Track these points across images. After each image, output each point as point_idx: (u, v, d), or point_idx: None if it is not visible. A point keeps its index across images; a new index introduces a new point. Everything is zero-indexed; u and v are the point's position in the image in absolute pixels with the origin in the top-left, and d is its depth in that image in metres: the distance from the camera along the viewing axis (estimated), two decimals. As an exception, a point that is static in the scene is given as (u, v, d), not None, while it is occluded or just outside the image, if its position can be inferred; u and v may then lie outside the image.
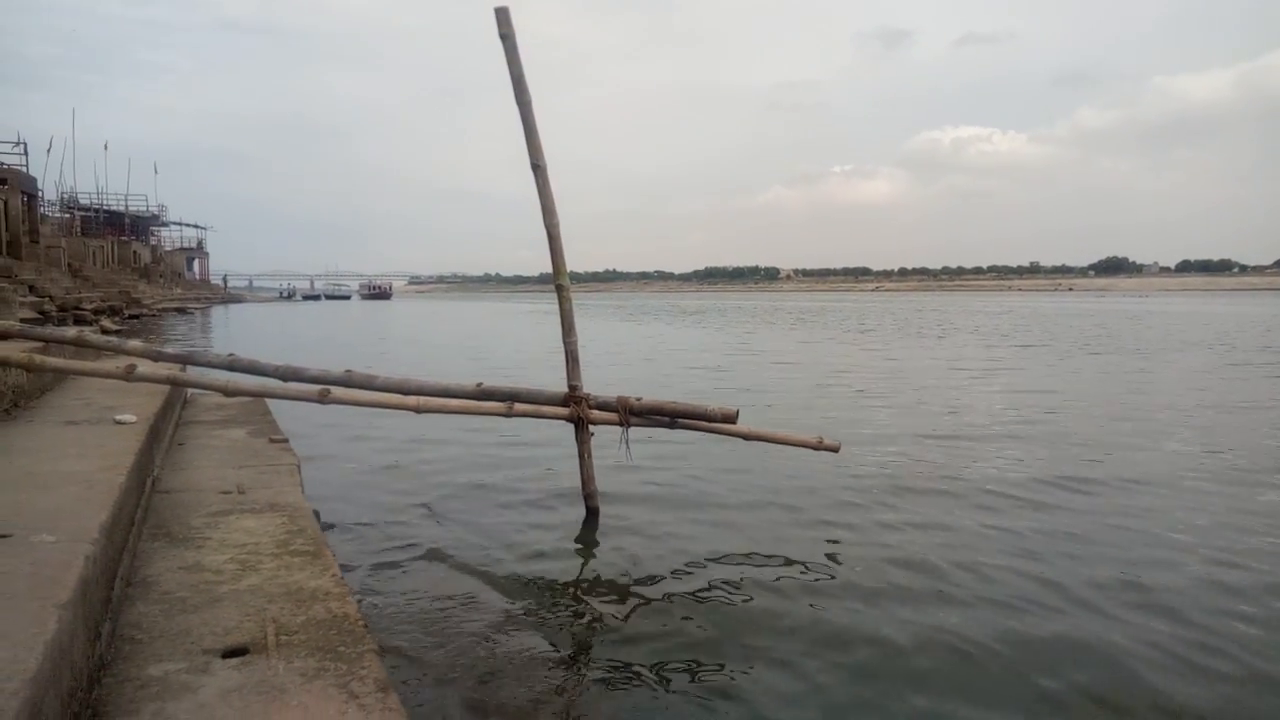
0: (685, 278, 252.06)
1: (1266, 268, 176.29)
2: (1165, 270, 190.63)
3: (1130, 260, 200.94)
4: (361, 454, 8.02)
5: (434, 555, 5.03)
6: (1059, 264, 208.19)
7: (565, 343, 5.71)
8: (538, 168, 5.71)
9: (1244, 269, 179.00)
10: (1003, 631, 3.97)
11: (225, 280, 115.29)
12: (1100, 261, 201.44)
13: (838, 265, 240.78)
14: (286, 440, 6.34)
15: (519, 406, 5.58)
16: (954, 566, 4.85)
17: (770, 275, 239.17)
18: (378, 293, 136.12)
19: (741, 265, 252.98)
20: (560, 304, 5.78)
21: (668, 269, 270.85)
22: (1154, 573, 4.74)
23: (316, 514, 4.38)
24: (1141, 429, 9.51)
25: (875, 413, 10.86)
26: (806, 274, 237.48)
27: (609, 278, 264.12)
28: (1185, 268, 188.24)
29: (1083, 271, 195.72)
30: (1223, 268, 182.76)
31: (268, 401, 7.70)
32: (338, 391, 5.35)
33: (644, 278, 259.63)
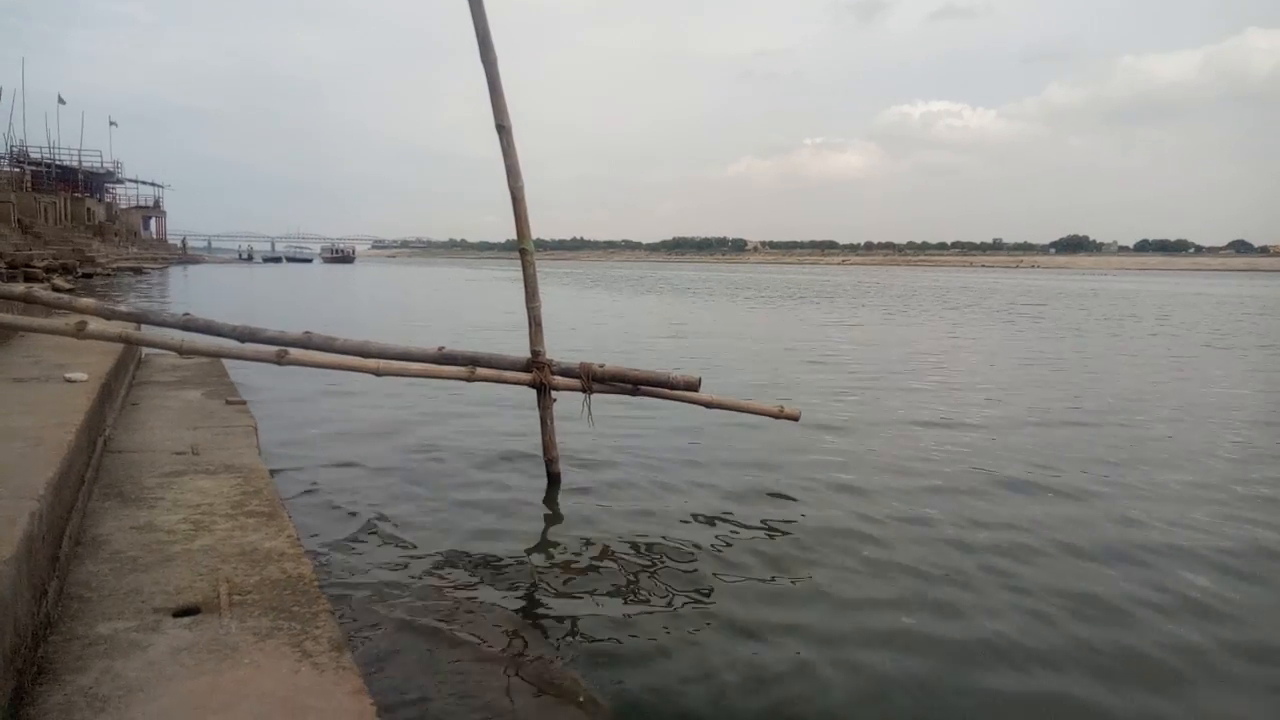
0: (653, 247, 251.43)
1: (1221, 249, 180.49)
2: (1124, 250, 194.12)
3: (1090, 239, 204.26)
4: (321, 416, 7.93)
5: (392, 518, 5.01)
6: (1021, 241, 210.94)
7: (528, 308, 5.67)
8: (502, 128, 5.63)
9: (1199, 249, 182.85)
10: (948, 596, 4.07)
11: (183, 241, 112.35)
12: (1061, 240, 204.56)
13: (805, 238, 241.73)
14: (244, 402, 6.26)
15: (481, 371, 5.54)
16: (902, 536, 4.95)
17: (738, 247, 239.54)
18: (340, 256, 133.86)
19: (709, 236, 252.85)
20: (524, 269, 5.73)
21: (635, 238, 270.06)
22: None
23: (276, 475, 4.35)
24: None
25: (834, 380, 10.96)
26: (774, 246, 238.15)
27: (575, 246, 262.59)
28: (1144, 247, 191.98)
29: (1044, 249, 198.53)
30: (1179, 248, 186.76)
31: (225, 363, 7.59)
32: (296, 353, 5.28)
33: (611, 247, 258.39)
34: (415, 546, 4.57)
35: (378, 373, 5.35)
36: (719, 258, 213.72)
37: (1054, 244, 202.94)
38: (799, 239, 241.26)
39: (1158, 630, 3.76)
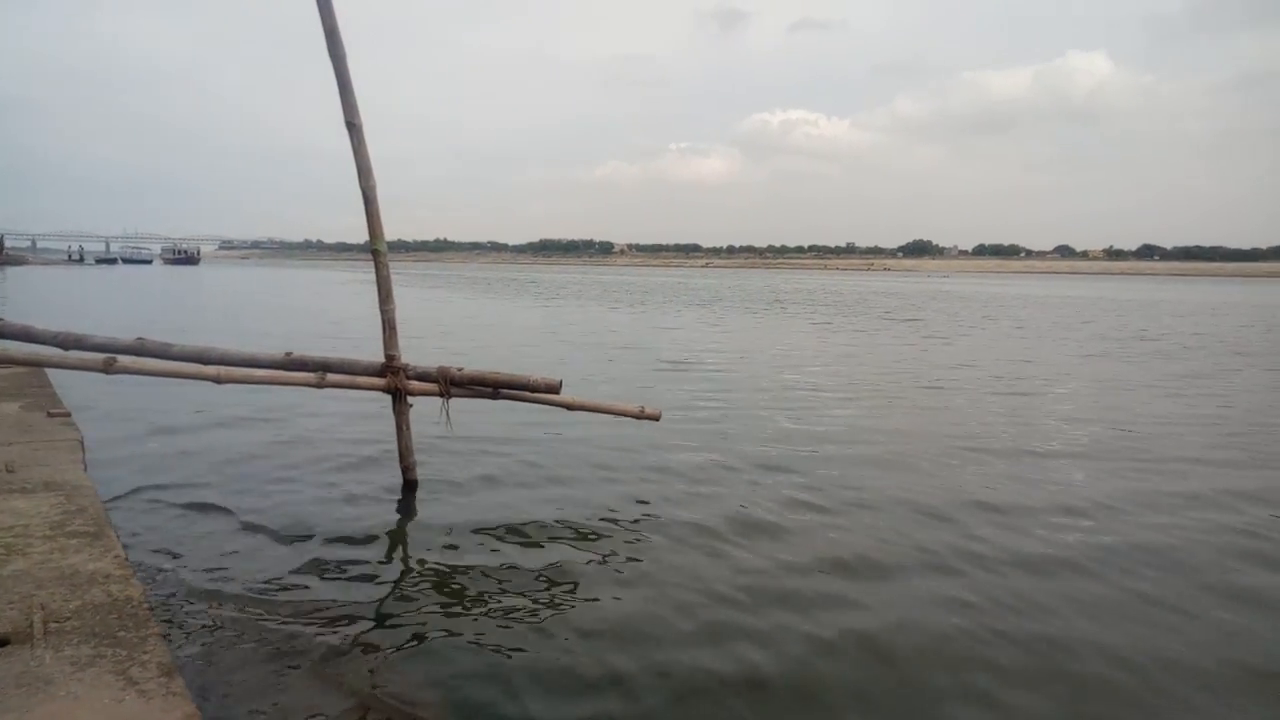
0: (520, 249, 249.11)
1: (1048, 253, 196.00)
2: (964, 253, 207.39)
3: (934, 243, 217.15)
4: (158, 428, 7.43)
5: (236, 532, 4.77)
6: (872, 245, 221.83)
7: (382, 311, 5.51)
8: (353, 126, 5.45)
9: (1029, 254, 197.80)
10: (798, 582, 4.25)
11: (1, 240, 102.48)
12: (909, 244, 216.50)
13: (671, 241, 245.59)
14: (68, 414, 5.79)
15: (332, 377, 5.35)
16: (758, 528, 5.12)
17: (605, 249, 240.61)
18: (184, 258, 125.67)
19: (577, 238, 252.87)
20: (377, 270, 5.57)
21: (502, 240, 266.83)
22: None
23: (105, 492, 4.05)
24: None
25: (702, 383, 11.20)
26: (640, 249, 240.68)
27: (439, 247, 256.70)
28: (980, 251, 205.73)
29: (893, 253, 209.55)
30: (1012, 252, 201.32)
31: (49, 373, 7.00)
32: (126, 361, 4.94)
33: (476, 248, 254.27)
34: (259, 561, 4.36)
35: (218, 380, 5.07)
36: (586, 260, 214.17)
37: (902, 248, 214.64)
38: (665, 242, 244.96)
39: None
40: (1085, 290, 58.53)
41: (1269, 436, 8.19)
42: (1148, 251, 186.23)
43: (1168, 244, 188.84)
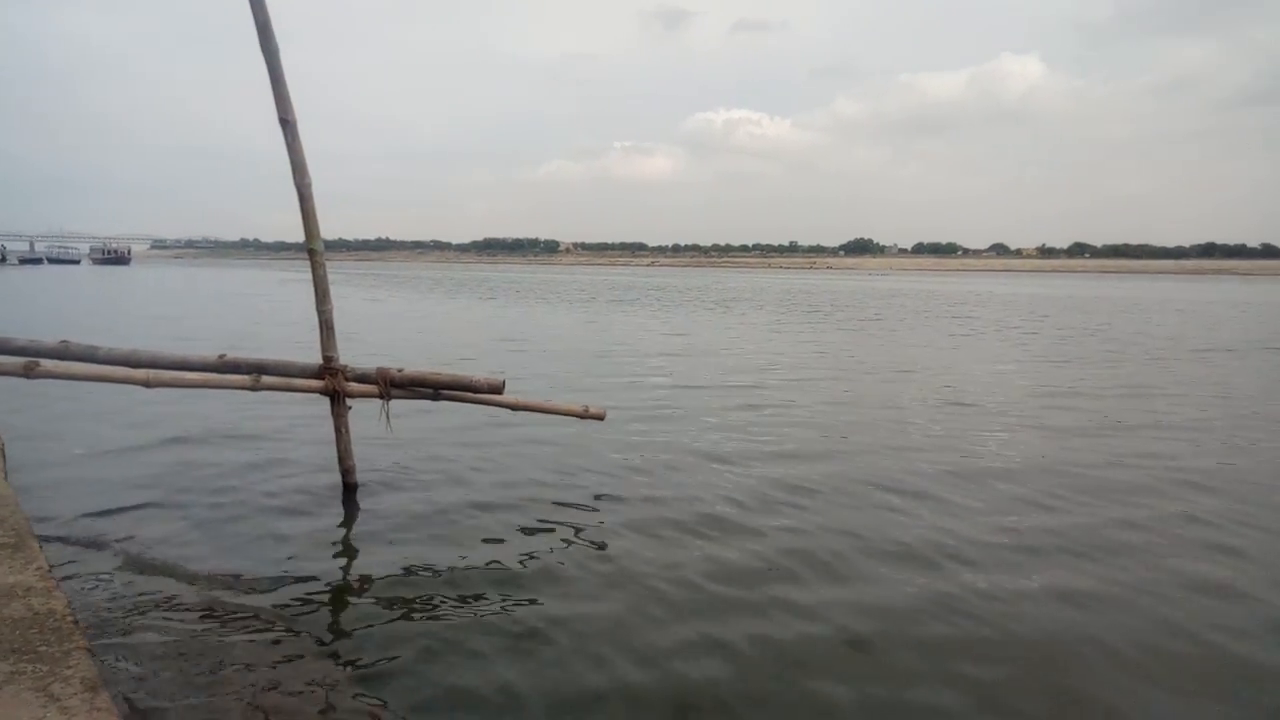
0: (464, 248, 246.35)
1: (983, 251, 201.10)
2: (903, 251, 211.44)
3: (874, 242, 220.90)
4: (84, 433, 7.17)
5: (169, 541, 4.62)
6: (815, 244, 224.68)
7: (319, 311, 5.40)
8: (286, 122, 5.33)
9: (966, 252, 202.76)
10: (748, 574, 4.28)
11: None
12: (850, 242, 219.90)
13: (616, 240, 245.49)
14: (-14, 421, 5.57)
15: (267, 379, 5.23)
16: (708, 524, 5.15)
17: (550, 248, 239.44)
18: (114, 257, 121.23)
19: (521, 237, 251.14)
20: (313, 270, 5.45)
21: (445, 239, 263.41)
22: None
23: (27, 501, 3.90)
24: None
25: (648, 380, 11.23)
26: (586, 248, 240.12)
27: (381, 246, 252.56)
28: (920, 249, 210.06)
29: (834, 251, 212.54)
30: (949, 250, 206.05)
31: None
32: (49, 364, 4.75)
33: (419, 247, 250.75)
34: (194, 570, 4.24)
35: (148, 384, 4.91)
36: (532, 259, 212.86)
37: (843, 246, 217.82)
38: (610, 241, 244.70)
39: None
40: (1027, 288, 60.11)
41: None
42: (1079, 250, 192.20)
43: (1098, 242, 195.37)
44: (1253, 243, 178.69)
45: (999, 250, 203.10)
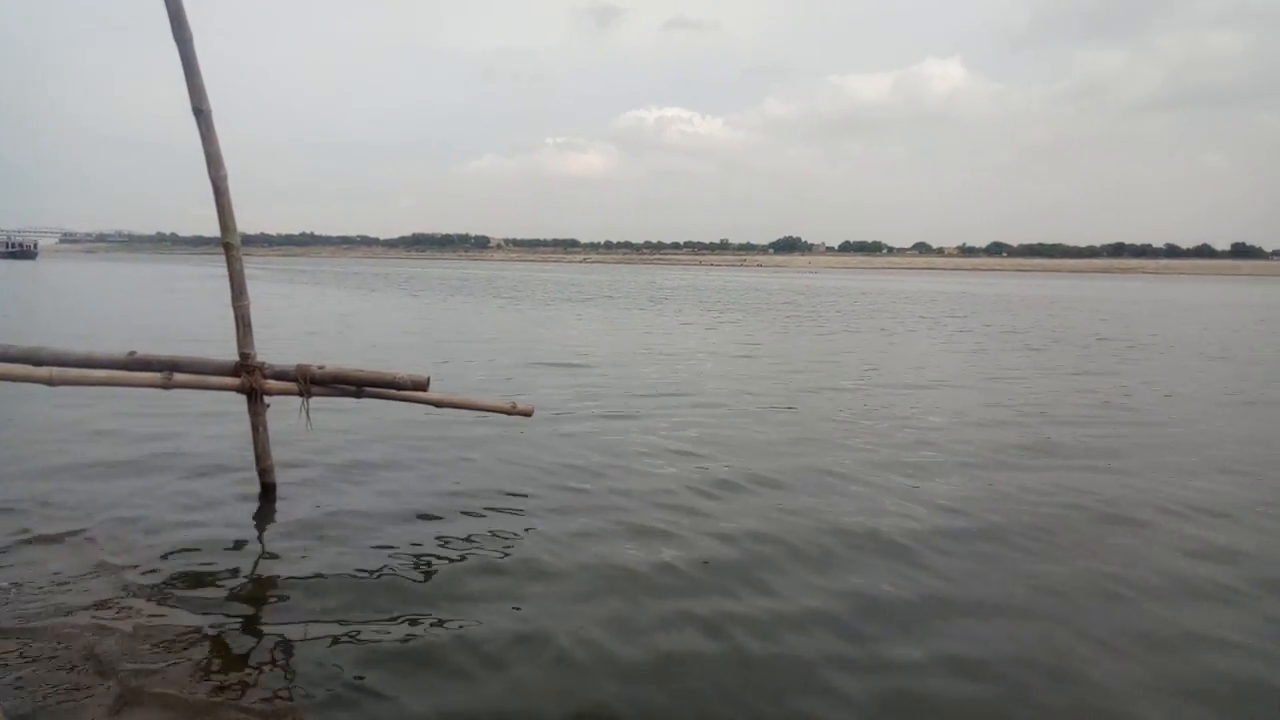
0: (392, 244, 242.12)
1: (908, 249, 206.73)
2: (831, 250, 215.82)
3: (803, 240, 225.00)
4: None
5: (72, 547, 4.43)
6: (745, 242, 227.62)
7: (235, 307, 5.23)
8: (200, 112, 5.15)
9: (891, 250, 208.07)
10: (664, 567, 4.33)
11: None
12: (779, 240, 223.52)
13: (548, 236, 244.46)
14: None
15: (179, 377, 5.05)
16: (638, 528, 5.17)
17: (481, 244, 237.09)
18: (17, 251, 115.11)
19: (452, 233, 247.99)
20: (229, 264, 5.28)
21: (373, 234, 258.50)
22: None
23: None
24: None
25: (580, 376, 11.21)
26: (518, 244, 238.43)
27: (306, 241, 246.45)
28: (846, 248, 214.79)
29: (764, 249, 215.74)
30: (875, 249, 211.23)
31: None
32: (-59, 363, 4.51)
33: (346, 243, 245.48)
34: (97, 578, 4.06)
35: (50, 382, 4.70)
36: (462, 254, 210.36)
37: (773, 244, 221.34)
38: (543, 237, 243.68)
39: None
40: (955, 286, 61.84)
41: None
42: (997, 249, 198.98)
43: (1014, 242, 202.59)
44: (1158, 243, 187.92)
45: (922, 249, 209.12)
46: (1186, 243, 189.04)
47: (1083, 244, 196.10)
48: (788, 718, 3.08)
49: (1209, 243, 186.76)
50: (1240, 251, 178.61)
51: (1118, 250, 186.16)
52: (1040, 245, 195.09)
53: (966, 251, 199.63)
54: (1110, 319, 25.94)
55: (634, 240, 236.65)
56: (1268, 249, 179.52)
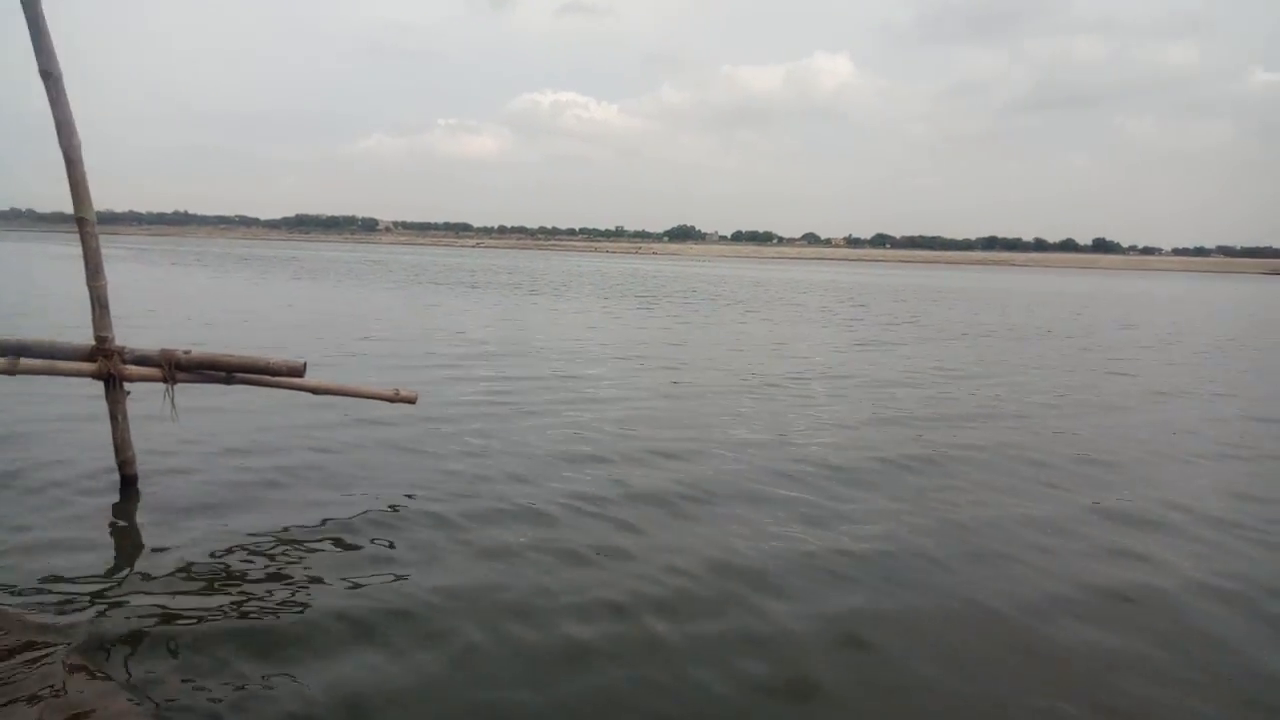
0: (273, 224, 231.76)
1: (797, 240, 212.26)
2: (724, 239, 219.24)
3: (696, 229, 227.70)
4: None
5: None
6: (640, 229, 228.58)
7: (90, 287, 4.89)
8: (49, 75, 4.76)
9: (781, 240, 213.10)
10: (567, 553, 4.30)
11: None
12: (673, 228, 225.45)
13: (440, 219, 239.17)
14: None
15: (27, 362, 4.68)
16: (526, 518, 5.11)
17: (369, 226, 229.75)
18: None
19: (337, 214, 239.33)
20: (84, 242, 4.92)
21: (252, 214, 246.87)
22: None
23: None
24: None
25: (469, 367, 11.00)
26: (407, 227, 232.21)
27: (179, 220, 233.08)
28: (739, 237, 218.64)
29: (659, 237, 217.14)
30: (766, 238, 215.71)
31: None
32: None
33: (224, 222, 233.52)
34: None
35: (-127, 368, 4.28)
36: (349, 237, 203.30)
37: (667, 232, 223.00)
38: (434, 220, 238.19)
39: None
40: (846, 276, 63.75)
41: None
42: (881, 240, 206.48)
43: (898, 234, 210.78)
44: (1027, 237, 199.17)
45: (811, 239, 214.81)
46: (1053, 237, 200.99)
47: (959, 237, 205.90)
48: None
49: (1073, 238, 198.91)
50: (1101, 246, 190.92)
51: (990, 243, 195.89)
52: (921, 237, 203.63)
53: (853, 242, 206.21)
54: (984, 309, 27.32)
55: (528, 225, 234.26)
56: (1124, 244, 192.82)
